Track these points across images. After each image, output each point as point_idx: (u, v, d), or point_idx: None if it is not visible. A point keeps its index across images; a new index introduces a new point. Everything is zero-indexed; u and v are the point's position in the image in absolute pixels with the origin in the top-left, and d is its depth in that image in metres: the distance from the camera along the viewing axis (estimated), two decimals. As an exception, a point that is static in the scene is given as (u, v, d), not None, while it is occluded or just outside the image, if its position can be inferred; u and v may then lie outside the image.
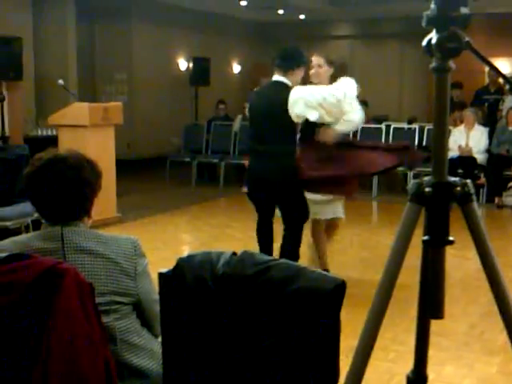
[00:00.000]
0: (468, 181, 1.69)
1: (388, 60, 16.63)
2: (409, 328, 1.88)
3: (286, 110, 5.17)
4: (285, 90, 5.24)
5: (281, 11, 15.96)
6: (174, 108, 14.63)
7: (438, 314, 1.73)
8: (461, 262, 6.00)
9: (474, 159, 9.78)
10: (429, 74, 1.67)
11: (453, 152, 9.83)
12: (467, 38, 1.57)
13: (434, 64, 1.63)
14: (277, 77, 5.38)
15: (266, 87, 5.61)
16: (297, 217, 5.36)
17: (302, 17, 16.68)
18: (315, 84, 5.44)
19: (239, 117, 12.35)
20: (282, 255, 5.19)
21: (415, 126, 11.25)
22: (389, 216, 8.59)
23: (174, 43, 15.20)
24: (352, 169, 5.25)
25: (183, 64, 15.59)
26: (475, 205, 1.68)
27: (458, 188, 1.67)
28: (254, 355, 1.98)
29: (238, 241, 7.20)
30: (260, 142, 5.34)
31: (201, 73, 14.35)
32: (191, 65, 14.77)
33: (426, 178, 1.69)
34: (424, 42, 1.64)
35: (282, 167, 5.23)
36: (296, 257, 5.28)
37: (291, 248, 5.32)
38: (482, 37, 13.70)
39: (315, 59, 5.58)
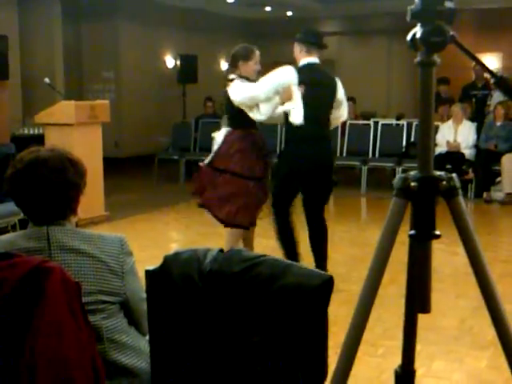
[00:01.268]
0: (453, 175, 1.69)
1: (376, 56, 16.67)
2: (398, 323, 1.88)
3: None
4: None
5: (268, 8, 15.95)
6: (162, 106, 14.62)
7: (425, 308, 1.73)
8: (450, 256, 6.01)
9: (462, 154, 9.81)
10: (416, 70, 1.67)
11: (441, 147, 9.87)
12: (452, 32, 1.57)
13: (418, 58, 1.63)
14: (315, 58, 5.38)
15: (314, 68, 5.43)
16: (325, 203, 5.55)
17: (289, 13, 16.68)
18: (251, 80, 5.40)
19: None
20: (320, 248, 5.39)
21: (403, 122, 11.27)
22: (377, 212, 8.60)
23: (160, 41, 15.16)
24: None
25: (170, 62, 15.55)
26: (461, 199, 1.68)
27: (444, 182, 1.66)
28: (242, 352, 1.98)
29: (226, 238, 7.18)
30: (322, 126, 5.37)
31: (188, 70, 14.32)
32: (178, 62, 14.73)
33: (412, 173, 1.69)
34: (409, 37, 1.64)
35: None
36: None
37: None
38: (469, 32, 13.77)
39: (258, 55, 5.52)
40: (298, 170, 5.38)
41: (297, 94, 5.19)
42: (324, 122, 5.42)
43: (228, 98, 5.37)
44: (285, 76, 5.26)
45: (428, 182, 1.67)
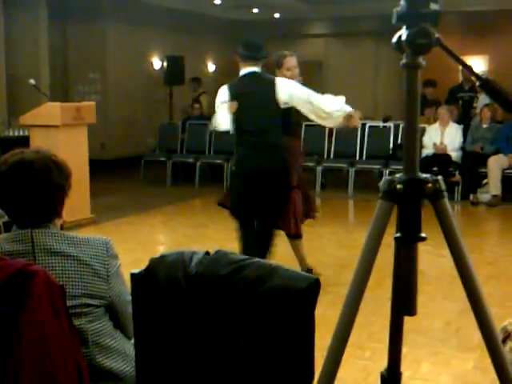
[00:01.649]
0: (439, 177, 1.69)
1: (363, 58, 16.70)
2: (385, 325, 1.88)
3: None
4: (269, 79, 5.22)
5: (255, 10, 15.96)
6: (149, 107, 14.59)
7: (411, 310, 1.73)
8: (436, 258, 6.03)
9: (449, 156, 9.84)
10: (403, 72, 1.67)
11: (428, 149, 9.90)
12: (437, 35, 1.57)
13: (404, 60, 1.63)
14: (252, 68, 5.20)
15: (248, 79, 5.25)
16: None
17: (276, 15, 16.69)
18: None
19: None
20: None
21: (390, 124, 11.30)
22: (365, 214, 8.61)
23: (147, 42, 15.13)
24: None
25: (157, 63, 15.52)
26: (446, 201, 1.68)
27: (430, 185, 1.66)
28: (228, 355, 1.97)
29: (213, 241, 7.18)
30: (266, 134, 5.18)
31: (175, 72, 14.29)
32: (165, 64, 14.71)
33: (398, 175, 1.69)
34: (394, 39, 1.64)
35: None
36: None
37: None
38: (455, 35, 13.83)
39: (291, 60, 5.52)
40: (245, 176, 5.23)
41: (222, 110, 5.27)
42: (268, 129, 5.17)
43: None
44: (218, 97, 5.36)
45: (413, 184, 1.67)
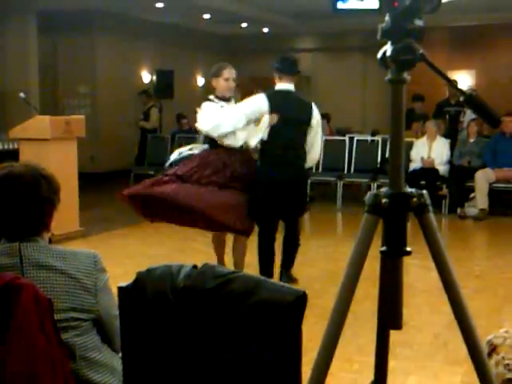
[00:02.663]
0: (424, 191, 1.70)
1: (351, 73, 16.79)
2: (373, 339, 1.88)
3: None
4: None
5: (244, 24, 16.03)
6: (138, 121, 14.58)
7: (397, 324, 1.74)
8: (424, 271, 6.04)
9: (437, 170, 9.89)
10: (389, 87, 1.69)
11: (415, 163, 9.95)
12: (422, 50, 1.59)
13: (389, 76, 1.65)
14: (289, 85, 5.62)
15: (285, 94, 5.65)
16: None
17: (265, 30, 16.78)
18: (227, 98, 5.65)
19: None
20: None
21: (378, 138, 11.35)
22: (353, 227, 8.59)
23: (137, 56, 15.16)
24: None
25: (146, 77, 15.54)
26: (431, 215, 1.70)
27: (415, 199, 1.68)
28: (215, 369, 1.97)
29: (202, 254, 7.16)
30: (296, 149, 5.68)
31: (164, 85, 14.33)
32: (155, 77, 14.73)
33: (383, 189, 1.70)
34: (379, 55, 1.66)
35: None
36: None
37: None
38: (441, 50, 13.95)
39: (230, 72, 5.69)
40: (272, 186, 5.60)
41: (264, 121, 5.50)
42: (300, 145, 5.69)
43: None
44: (256, 105, 5.51)
45: (399, 198, 1.68)
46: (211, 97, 5.66)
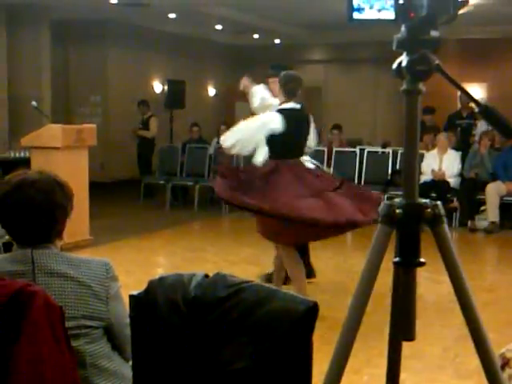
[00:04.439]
0: (438, 202, 1.69)
1: (362, 84, 16.78)
2: (383, 351, 1.87)
3: None
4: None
5: (256, 35, 16.07)
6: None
7: (410, 335, 1.73)
8: (434, 284, 6.02)
9: (447, 183, 9.85)
10: (402, 98, 1.68)
11: (426, 176, 9.91)
12: (437, 61, 1.58)
13: (404, 86, 1.64)
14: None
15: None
16: None
17: (277, 41, 16.81)
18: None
19: (215, 140, 12.37)
20: None
21: (389, 150, 11.32)
22: (363, 239, 8.58)
23: (148, 66, 15.22)
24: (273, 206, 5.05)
25: (158, 87, 15.60)
26: (445, 227, 1.69)
27: (429, 210, 1.67)
28: (226, 379, 1.96)
29: (212, 264, 7.17)
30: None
31: (176, 96, 14.35)
32: (166, 87, 14.77)
33: (397, 200, 1.70)
34: (394, 65, 1.66)
35: None
36: None
37: None
38: (454, 62, 13.92)
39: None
40: None
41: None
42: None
43: None
44: (272, 122, 5.47)
45: (413, 209, 1.67)
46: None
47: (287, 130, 5.40)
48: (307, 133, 5.81)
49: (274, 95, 5.90)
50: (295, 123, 5.54)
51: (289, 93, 5.56)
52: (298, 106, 5.62)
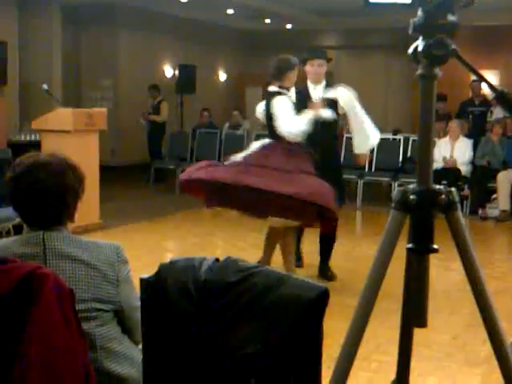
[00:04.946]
0: (453, 189, 1.68)
1: (373, 71, 16.71)
2: (392, 338, 1.86)
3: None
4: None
5: (267, 20, 16.00)
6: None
7: (422, 322, 1.72)
8: (444, 272, 6.00)
9: (459, 171, 9.81)
10: (413, 85, 1.67)
11: (438, 163, 9.86)
12: (454, 46, 1.57)
13: (420, 71, 1.62)
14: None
15: None
16: None
17: (288, 26, 16.73)
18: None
19: (226, 124, 12.35)
20: None
21: (400, 137, 11.28)
22: (373, 226, 8.59)
23: (159, 50, 15.19)
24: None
25: (169, 71, 15.57)
26: (459, 213, 1.68)
27: (443, 196, 1.66)
28: (236, 363, 1.96)
29: (220, 249, 7.19)
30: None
31: (186, 80, 14.33)
32: (177, 72, 14.75)
33: (411, 186, 1.68)
34: (410, 50, 1.64)
35: None
36: None
37: None
38: (466, 49, 13.79)
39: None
40: None
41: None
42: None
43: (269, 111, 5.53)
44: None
45: (427, 195, 1.66)
46: (275, 88, 5.61)
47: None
48: None
49: (318, 79, 5.92)
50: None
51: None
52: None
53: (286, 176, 5.05)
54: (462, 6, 1.54)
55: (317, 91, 5.93)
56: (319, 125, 5.52)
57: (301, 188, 4.95)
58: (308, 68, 5.96)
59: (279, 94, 5.51)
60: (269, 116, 5.52)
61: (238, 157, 5.38)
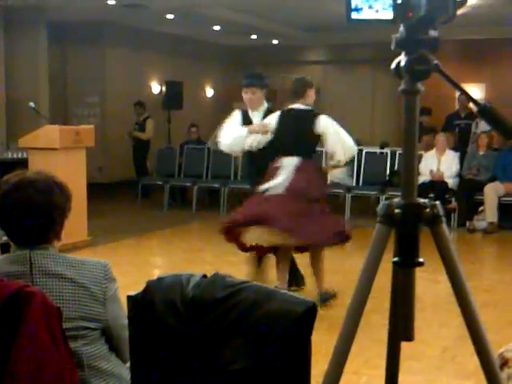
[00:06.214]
0: (437, 202, 1.69)
1: (360, 85, 16.79)
2: (381, 352, 1.87)
3: None
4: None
5: (254, 36, 16.06)
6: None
7: (409, 336, 1.72)
8: (432, 284, 6.01)
9: (446, 184, 9.85)
10: (400, 99, 1.68)
11: (424, 176, 9.90)
12: (436, 61, 1.58)
13: (402, 86, 1.64)
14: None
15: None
16: None
17: (275, 42, 16.80)
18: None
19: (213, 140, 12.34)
20: None
21: (387, 150, 11.33)
22: (361, 240, 8.56)
23: (146, 67, 15.21)
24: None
25: (156, 87, 15.59)
26: (444, 226, 1.68)
27: (427, 209, 1.67)
28: (224, 380, 1.95)
29: (210, 264, 7.16)
30: None
31: (174, 96, 14.34)
32: (164, 88, 14.77)
33: (396, 200, 1.69)
34: (393, 65, 1.65)
35: None
36: None
37: None
38: (451, 63, 13.92)
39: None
40: None
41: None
42: None
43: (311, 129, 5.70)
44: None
45: (411, 208, 1.67)
46: (305, 107, 5.77)
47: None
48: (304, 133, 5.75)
49: (252, 106, 6.00)
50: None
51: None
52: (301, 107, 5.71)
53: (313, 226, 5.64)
54: (442, 22, 1.55)
55: (255, 117, 5.98)
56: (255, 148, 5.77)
57: (326, 234, 5.82)
58: (243, 95, 6.05)
59: (318, 113, 5.79)
60: (306, 133, 5.69)
61: (277, 184, 5.53)
